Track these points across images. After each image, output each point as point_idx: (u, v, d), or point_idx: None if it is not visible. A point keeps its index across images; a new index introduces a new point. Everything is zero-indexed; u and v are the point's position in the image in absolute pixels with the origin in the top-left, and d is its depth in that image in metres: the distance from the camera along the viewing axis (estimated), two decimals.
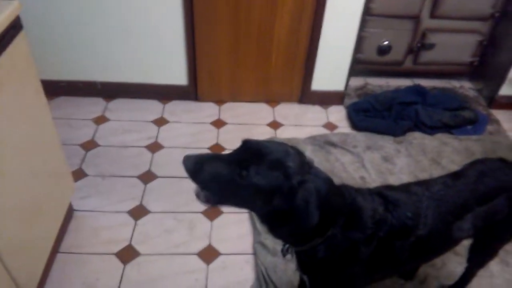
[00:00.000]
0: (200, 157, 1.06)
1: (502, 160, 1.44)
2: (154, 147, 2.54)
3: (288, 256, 1.31)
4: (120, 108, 2.83)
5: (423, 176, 2.39)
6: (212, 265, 1.93)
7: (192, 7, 2.52)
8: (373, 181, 2.36)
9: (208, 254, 1.98)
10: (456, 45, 3.17)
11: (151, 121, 2.74)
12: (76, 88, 2.83)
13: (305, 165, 1.08)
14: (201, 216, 2.15)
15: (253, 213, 1.17)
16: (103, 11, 2.53)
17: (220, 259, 1.96)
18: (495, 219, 1.35)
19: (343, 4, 2.58)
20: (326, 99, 3.01)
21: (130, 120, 2.73)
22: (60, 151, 1.87)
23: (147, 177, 2.34)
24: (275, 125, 2.83)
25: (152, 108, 2.85)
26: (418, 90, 3.07)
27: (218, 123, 2.79)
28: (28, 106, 1.58)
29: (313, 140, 2.65)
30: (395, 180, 2.37)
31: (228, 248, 2.01)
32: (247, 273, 1.91)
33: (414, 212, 1.22)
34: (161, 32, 2.63)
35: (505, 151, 2.63)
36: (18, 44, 1.46)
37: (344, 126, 2.86)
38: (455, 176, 1.38)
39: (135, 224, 2.08)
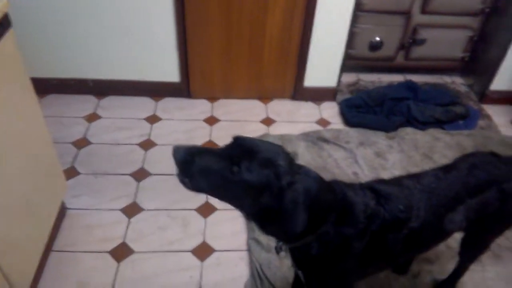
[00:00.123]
0: (190, 148, 1.06)
1: (493, 154, 1.46)
2: (147, 144, 2.53)
3: (282, 253, 1.31)
4: (112, 105, 2.81)
5: (416, 171, 2.37)
6: (206, 262, 1.93)
7: (183, 4, 2.51)
8: (366, 176, 2.37)
9: (202, 251, 1.98)
10: (447, 40, 3.19)
11: (144, 119, 2.73)
12: (68, 85, 2.81)
13: (295, 165, 1.08)
14: (195, 213, 2.14)
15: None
16: (95, 9, 2.51)
17: (214, 256, 1.97)
18: (486, 212, 1.36)
19: (335, 0, 2.58)
20: (318, 95, 3.02)
21: (122, 117, 2.72)
22: (52, 149, 1.86)
23: (140, 174, 2.33)
24: (268, 121, 2.83)
25: (144, 105, 2.84)
26: (409, 86, 3.09)
27: (211, 120, 2.78)
28: (18, 105, 1.57)
29: (306, 136, 2.66)
30: (387, 175, 2.38)
31: (222, 244, 2.01)
32: (242, 270, 1.92)
33: (406, 205, 1.23)
34: (153, 29, 2.61)
35: (496, 145, 2.64)
36: (6, 42, 1.45)
37: (336, 122, 2.87)
38: (446, 169, 1.39)
39: (129, 221, 2.08)
